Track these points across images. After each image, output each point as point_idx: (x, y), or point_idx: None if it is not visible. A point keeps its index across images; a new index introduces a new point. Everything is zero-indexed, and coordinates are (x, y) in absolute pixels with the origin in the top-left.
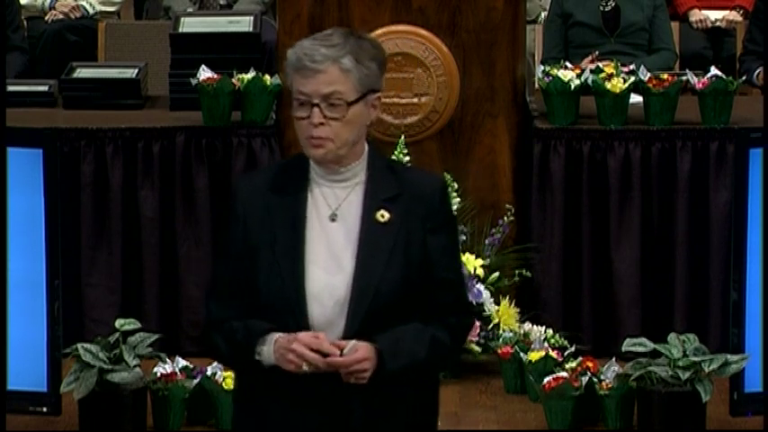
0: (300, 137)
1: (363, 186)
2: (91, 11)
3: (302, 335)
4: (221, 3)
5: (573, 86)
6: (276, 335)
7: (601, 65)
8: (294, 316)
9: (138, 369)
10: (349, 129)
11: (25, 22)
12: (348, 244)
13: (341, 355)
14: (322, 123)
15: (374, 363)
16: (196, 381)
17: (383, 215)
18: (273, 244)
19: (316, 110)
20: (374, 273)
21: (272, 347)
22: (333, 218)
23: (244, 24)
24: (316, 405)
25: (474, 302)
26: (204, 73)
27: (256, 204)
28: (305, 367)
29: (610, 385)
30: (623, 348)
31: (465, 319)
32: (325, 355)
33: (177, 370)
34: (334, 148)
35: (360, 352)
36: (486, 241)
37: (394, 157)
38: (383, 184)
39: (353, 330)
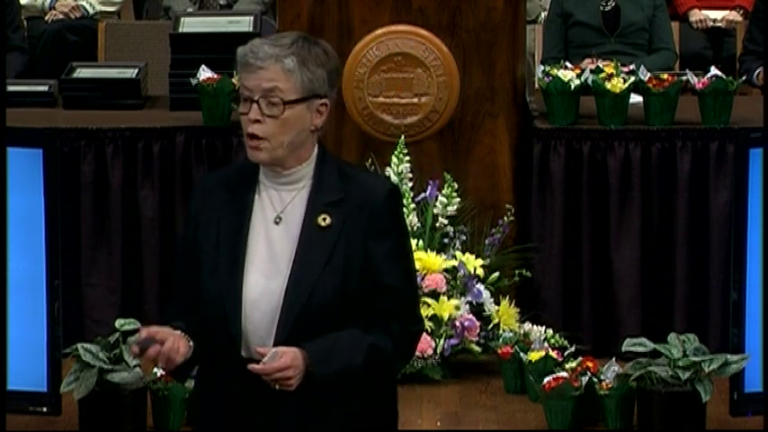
0: (244, 135)
1: (309, 190)
2: (91, 11)
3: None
4: (221, 3)
5: (573, 86)
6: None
7: (601, 65)
8: (230, 318)
9: (138, 369)
10: (286, 130)
11: (25, 22)
12: (288, 248)
13: (259, 362)
14: (258, 121)
15: (300, 369)
16: None
17: (324, 219)
18: (217, 245)
19: (254, 106)
20: (309, 278)
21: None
22: (276, 221)
23: (244, 24)
24: (249, 408)
25: (474, 302)
26: (204, 73)
27: (208, 204)
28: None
29: (610, 385)
30: (623, 348)
31: (411, 326)
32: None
33: None
34: (270, 147)
35: (283, 359)
36: (486, 241)
37: (395, 158)
38: (328, 189)
39: (284, 335)
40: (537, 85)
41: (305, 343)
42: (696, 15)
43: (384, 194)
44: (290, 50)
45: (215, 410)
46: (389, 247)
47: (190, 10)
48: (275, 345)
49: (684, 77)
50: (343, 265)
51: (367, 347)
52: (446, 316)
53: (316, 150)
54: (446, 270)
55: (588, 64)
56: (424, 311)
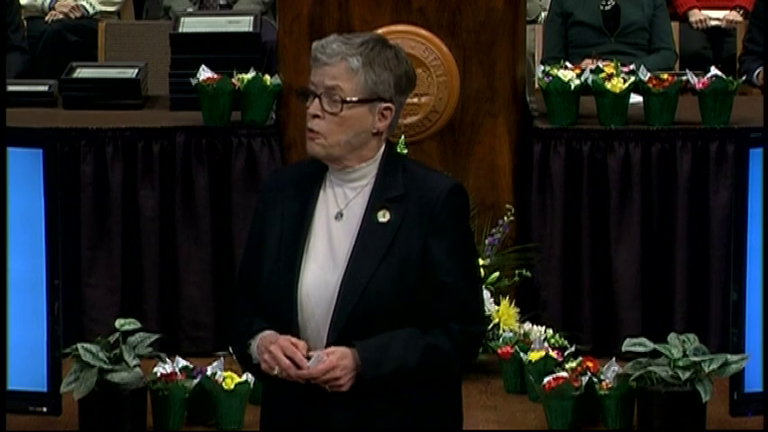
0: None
1: (371, 187)
2: (91, 11)
3: (283, 338)
4: (221, 3)
5: (573, 86)
6: (266, 332)
7: (601, 65)
8: (286, 312)
9: (138, 369)
10: (343, 129)
11: (25, 22)
12: (347, 243)
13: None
14: (318, 116)
15: (350, 369)
16: (196, 381)
17: (384, 215)
18: (280, 239)
19: (316, 101)
20: (365, 272)
21: (256, 343)
22: (338, 216)
23: (244, 24)
24: (303, 405)
25: None
26: (204, 73)
27: (274, 200)
28: (275, 371)
29: (610, 385)
30: (623, 348)
31: (471, 326)
32: (297, 364)
33: (177, 370)
34: (325, 144)
35: (328, 361)
36: (486, 241)
37: None
38: (390, 185)
39: (338, 329)
40: (537, 85)
41: (357, 342)
42: (696, 15)
43: (446, 192)
44: (358, 50)
45: (277, 406)
46: (448, 245)
47: (190, 10)
48: (329, 339)
49: (684, 77)
50: (401, 262)
51: (423, 347)
52: None
53: (381, 151)
54: None
55: (588, 64)
56: None
